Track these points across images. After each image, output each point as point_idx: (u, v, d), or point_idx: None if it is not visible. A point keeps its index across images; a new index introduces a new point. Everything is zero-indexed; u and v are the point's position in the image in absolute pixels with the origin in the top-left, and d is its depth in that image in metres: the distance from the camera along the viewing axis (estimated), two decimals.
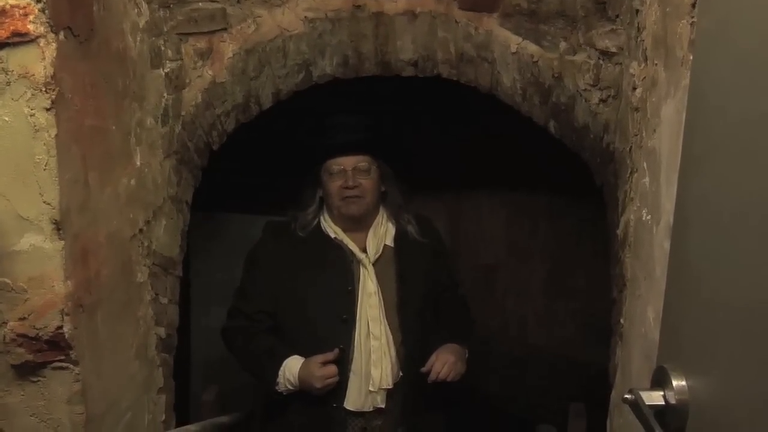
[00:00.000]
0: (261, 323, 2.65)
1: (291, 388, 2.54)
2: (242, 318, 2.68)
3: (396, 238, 2.71)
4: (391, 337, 2.58)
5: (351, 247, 2.65)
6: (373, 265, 2.63)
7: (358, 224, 2.68)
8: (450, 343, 2.62)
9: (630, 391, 1.25)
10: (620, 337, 2.06)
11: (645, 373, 1.51)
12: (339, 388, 2.53)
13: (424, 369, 2.54)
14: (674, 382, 1.19)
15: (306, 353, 2.54)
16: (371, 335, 2.56)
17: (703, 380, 1.14)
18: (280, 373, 2.54)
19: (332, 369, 2.49)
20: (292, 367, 2.54)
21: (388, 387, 2.56)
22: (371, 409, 2.57)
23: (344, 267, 2.63)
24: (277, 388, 2.56)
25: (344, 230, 2.67)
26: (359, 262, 2.63)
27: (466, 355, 2.67)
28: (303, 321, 2.58)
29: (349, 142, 2.63)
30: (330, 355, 2.49)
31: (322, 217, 2.71)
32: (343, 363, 2.53)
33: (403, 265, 2.67)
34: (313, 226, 2.68)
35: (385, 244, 2.68)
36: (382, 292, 2.61)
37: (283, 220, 2.73)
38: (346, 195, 2.60)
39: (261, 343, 2.64)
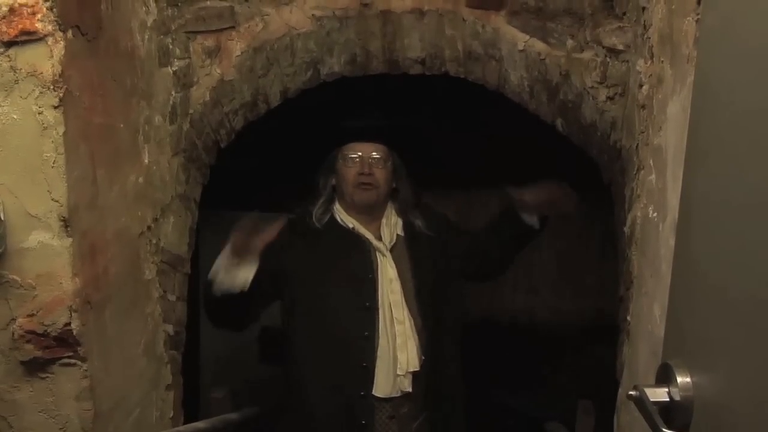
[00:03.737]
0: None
1: (225, 260, 2.46)
2: None
3: (405, 229, 2.71)
4: (412, 321, 2.59)
5: (367, 236, 2.65)
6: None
7: (370, 214, 2.67)
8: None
9: (635, 388, 1.25)
10: (627, 335, 2.05)
11: (652, 370, 1.50)
12: (366, 376, 2.52)
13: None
14: (679, 379, 1.19)
15: (331, 343, 2.53)
16: (395, 320, 2.56)
17: (708, 377, 1.14)
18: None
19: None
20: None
21: (416, 369, 2.55)
22: (398, 394, 2.55)
23: (363, 255, 2.62)
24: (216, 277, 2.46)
25: (358, 220, 2.67)
26: (376, 249, 2.63)
27: None
28: (326, 311, 2.56)
29: (368, 128, 2.63)
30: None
31: (335, 208, 2.71)
32: (370, 351, 2.52)
33: (416, 253, 2.67)
34: (327, 218, 2.68)
35: (397, 234, 2.69)
36: (399, 279, 2.62)
37: (296, 217, 2.72)
38: (361, 182, 2.61)
39: None
